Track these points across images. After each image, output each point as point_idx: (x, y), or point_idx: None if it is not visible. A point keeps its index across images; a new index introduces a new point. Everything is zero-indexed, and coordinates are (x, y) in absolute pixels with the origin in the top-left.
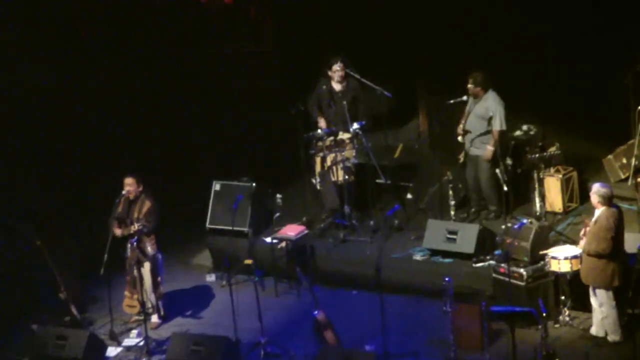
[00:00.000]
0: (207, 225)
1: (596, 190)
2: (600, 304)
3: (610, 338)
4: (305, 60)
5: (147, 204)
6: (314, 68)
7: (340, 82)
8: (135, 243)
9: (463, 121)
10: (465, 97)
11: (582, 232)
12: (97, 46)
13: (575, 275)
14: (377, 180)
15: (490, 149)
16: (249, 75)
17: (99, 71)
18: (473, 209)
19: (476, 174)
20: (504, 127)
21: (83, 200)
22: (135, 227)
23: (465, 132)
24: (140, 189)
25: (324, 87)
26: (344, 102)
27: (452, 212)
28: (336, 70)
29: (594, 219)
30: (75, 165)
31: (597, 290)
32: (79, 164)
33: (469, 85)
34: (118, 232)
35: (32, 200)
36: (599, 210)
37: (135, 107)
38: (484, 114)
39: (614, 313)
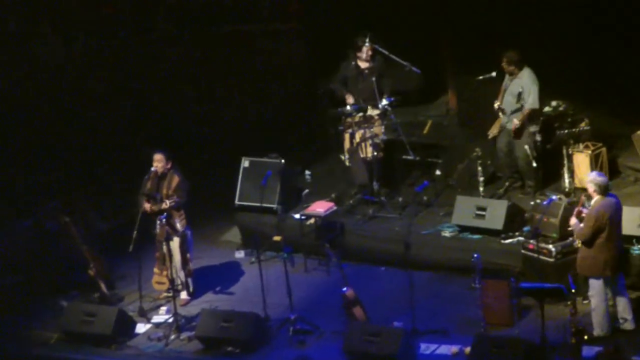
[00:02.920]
0: (236, 202)
1: (592, 178)
2: (592, 295)
3: (595, 332)
4: (332, 37)
5: (176, 179)
6: (341, 45)
7: (367, 60)
8: (164, 220)
9: (500, 99)
10: (494, 74)
11: (575, 212)
12: (121, 24)
13: None
14: (406, 157)
15: (516, 122)
16: (277, 52)
17: (124, 49)
18: (507, 183)
19: (510, 150)
20: (537, 106)
21: (111, 176)
22: (167, 203)
23: (500, 110)
24: (169, 165)
25: (353, 63)
26: (372, 79)
27: (481, 189)
28: (364, 49)
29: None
30: (104, 142)
31: (590, 280)
32: (108, 140)
33: (503, 64)
34: (148, 207)
35: (59, 177)
36: (595, 199)
37: (163, 83)
38: (518, 92)
39: (602, 306)
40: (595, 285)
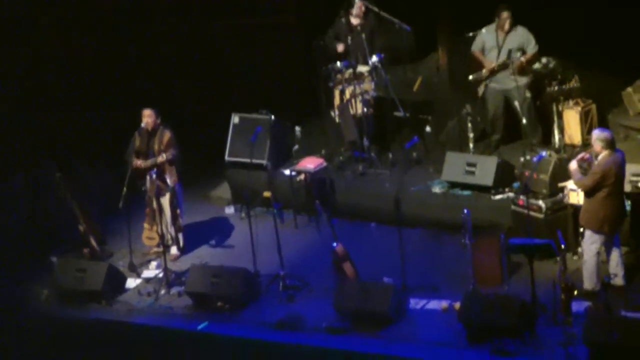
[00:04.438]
0: (226, 158)
1: (597, 135)
2: (584, 247)
3: (585, 286)
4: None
5: (167, 134)
6: (333, 2)
7: (359, 16)
8: (154, 175)
9: (494, 59)
10: (484, 30)
11: (578, 157)
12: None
13: None
14: (396, 113)
15: (522, 59)
16: (269, 6)
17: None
18: (498, 136)
19: (502, 108)
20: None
21: (101, 132)
22: (164, 157)
23: (504, 65)
24: (159, 121)
25: (342, 19)
26: (362, 35)
27: (471, 145)
28: (356, 4)
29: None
30: (93, 98)
31: (586, 232)
32: (97, 97)
33: (506, 20)
34: (139, 162)
35: (51, 135)
36: (602, 155)
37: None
38: (521, 43)
39: (593, 261)
40: (590, 238)
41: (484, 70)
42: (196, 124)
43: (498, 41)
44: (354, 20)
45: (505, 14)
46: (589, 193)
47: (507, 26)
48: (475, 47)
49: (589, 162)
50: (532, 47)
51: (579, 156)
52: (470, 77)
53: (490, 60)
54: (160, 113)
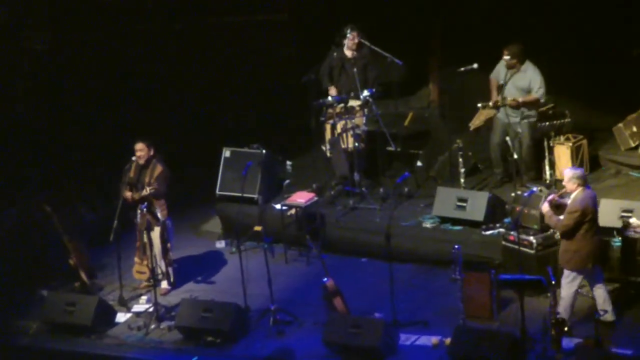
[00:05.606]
0: (217, 192)
1: (572, 174)
2: (564, 284)
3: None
4: (317, 29)
5: (159, 168)
6: (327, 37)
7: (352, 49)
8: (145, 209)
9: (498, 93)
10: (475, 65)
11: (549, 199)
12: (111, 13)
13: None
14: (387, 148)
15: (519, 101)
16: (261, 43)
17: (112, 37)
18: (499, 170)
19: (503, 139)
20: (544, 98)
21: (92, 166)
22: (147, 190)
23: (504, 103)
24: (151, 154)
25: (335, 54)
26: (355, 70)
27: (462, 180)
28: (349, 37)
29: (569, 200)
30: (85, 131)
31: (565, 270)
32: (89, 129)
33: (505, 57)
34: (129, 195)
35: (42, 167)
36: (575, 192)
37: (146, 73)
38: (525, 86)
39: (571, 297)
40: (569, 277)
41: (490, 102)
42: (187, 157)
43: (505, 77)
44: (348, 53)
45: (504, 51)
46: (569, 233)
47: (506, 64)
48: (492, 75)
49: (558, 203)
50: (535, 91)
51: (549, 198)
52: (479, 104)
53: (497, 93)
54: (153, 145)
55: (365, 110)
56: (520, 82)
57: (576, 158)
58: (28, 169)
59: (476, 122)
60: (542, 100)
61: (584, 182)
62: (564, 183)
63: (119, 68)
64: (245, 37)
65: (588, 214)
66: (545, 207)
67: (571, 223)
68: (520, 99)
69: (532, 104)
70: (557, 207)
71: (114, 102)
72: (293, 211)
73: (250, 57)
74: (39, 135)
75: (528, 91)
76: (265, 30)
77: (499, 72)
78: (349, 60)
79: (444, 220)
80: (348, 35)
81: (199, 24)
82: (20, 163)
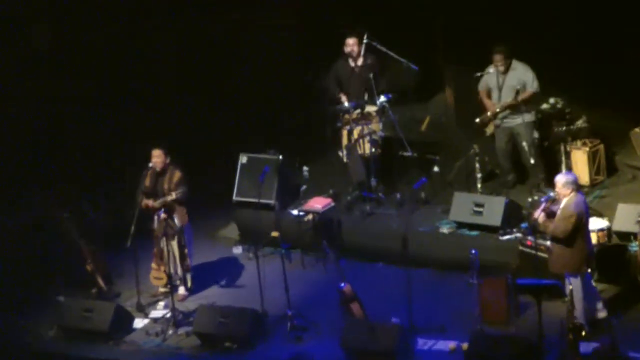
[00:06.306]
0: (234, 197)
1: (566, 180)
2: (576, 293)
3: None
4: (328, 31)
5: (177, 174)
6: (339, 43)
7: (356, 57)
8: (162, 215)
9: (496, 102)
10: (491, 70)
11: (537, 214)
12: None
13: (601, 248)
14: (404, 154)
15: (512, 103)
16: (276, 47)
17: (118, 38)
18: (512, 176)
19: (510, 146)
20: (539, 89)
21: (110, 172)
22: (173, 196)
23: (506, 108)
24: (168, 160)
25: (340, 61)
26: (370, 76)
27: (479, 185)
28: (349, 44)
29: (562, 205)
30: (88, 130)
31: (570, 279)
32: (91, 128)
33: (500, 60)
34: (150, 203)
35: (59, 173)
36: (568, 197)
37: (161, 77)
38: (518, 83)
39: (581, 305)
40: (576, 284)
41: (488, 113)
42: (204, 164)
43: (498, 81)
44: (352, 63)
45: (497, 57)
46: (567, 238)
47: (501, 67)
48: (480, 87)
49: (550, 210)
50: (532, 86)
51: (542, 207)
52: (477, 119)
53: (493, 102)
54: (169, 152)
55: (382, 115)
56: (513, 80)
57: (593, 163)
58: (29, 169)
59: (491, 127)
60: (539, 90)
61: (577, 187)
62: (557, 189)
63: (121, 67)
64: (261, 39)
65: (583, 217)
66: (542, 218)
67: (570, 228)
68: (519, 98)
69: (530, 100)
70: (548, 215)
71: (115, 101)
72: (310, 217)
73: (266, 61)
74: (40, 134)
75: (522, 88)
76: (274, 32)
77: (487, 81)
78: (354, 68)
79: (460, 225)
80: (349, 41)
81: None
82: (21, 163)
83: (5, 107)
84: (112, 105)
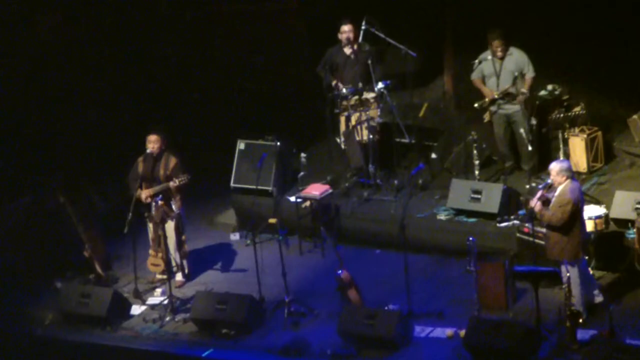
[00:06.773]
0: (232, 184)
1: (561, 167)
2: (573, 280)
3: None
4: (329, 20)
5: (173, 160)
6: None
7: (350, 44)
8: (159, 201)
9: (495, 87)
10: (489, 56)
11: (533, 202)
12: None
13: (599, 235)
14: (402, 140)
15: (524, 92)
16: (273, 33)
17: (121, 29)
18: (507, 165)
19: (509, 132)
20: (534, 73)
21: (108, 157)
22: (176, 182)
23: (507, 94)
24: (164, 146)
25: (332, 48)
26: (368, 62)
27: (477, 172)
28: (344, 31)
29: (557, 193)
30: (100, 122)
31: (567, 267)
32: (102, 120)
33: (499, 45)
34: (147, 192)
35: (57, 158)
36: (563, 185)
37: (158, 64)
38: (516, 68)
39: (578, 292)
40: (574, 271)
41: (486, 99)
42: (201, 149)
43: (495, 68)
44: (347, 50)
45: (495, 43)
46: (564, 225)
47: (499, 53)
48: (475, 75)
49: (546, 197)
50: (529, 71)
51: (538, 195)
52: (476, 104)
53: (491, 88)
54: (166, 138)
55: (380, 101)
56: (511, 66)
57: (591, 150)
58: (39, 158)
59: (488, 115)
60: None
61: (571, 174)
62: (551, 177)
63: (128, 57)
64: (255, 26)
65: (578, 203)
66: (538, 206)
67: (566, 216)
68: (525, 90)
69: (533, 86)
70: (544, 202)
71: (123, 90)
72: (308, 203)
73: (261, 46)
74: (50, 124)
75: (520, 73)
76: (275, 19)
77: (482, 69)
78: (349, 56)
79: (458, 212)
80: (344, 27)
81: (209, 12)
82: (30, 152)
83: (15, 99)
84: (114, 90)
